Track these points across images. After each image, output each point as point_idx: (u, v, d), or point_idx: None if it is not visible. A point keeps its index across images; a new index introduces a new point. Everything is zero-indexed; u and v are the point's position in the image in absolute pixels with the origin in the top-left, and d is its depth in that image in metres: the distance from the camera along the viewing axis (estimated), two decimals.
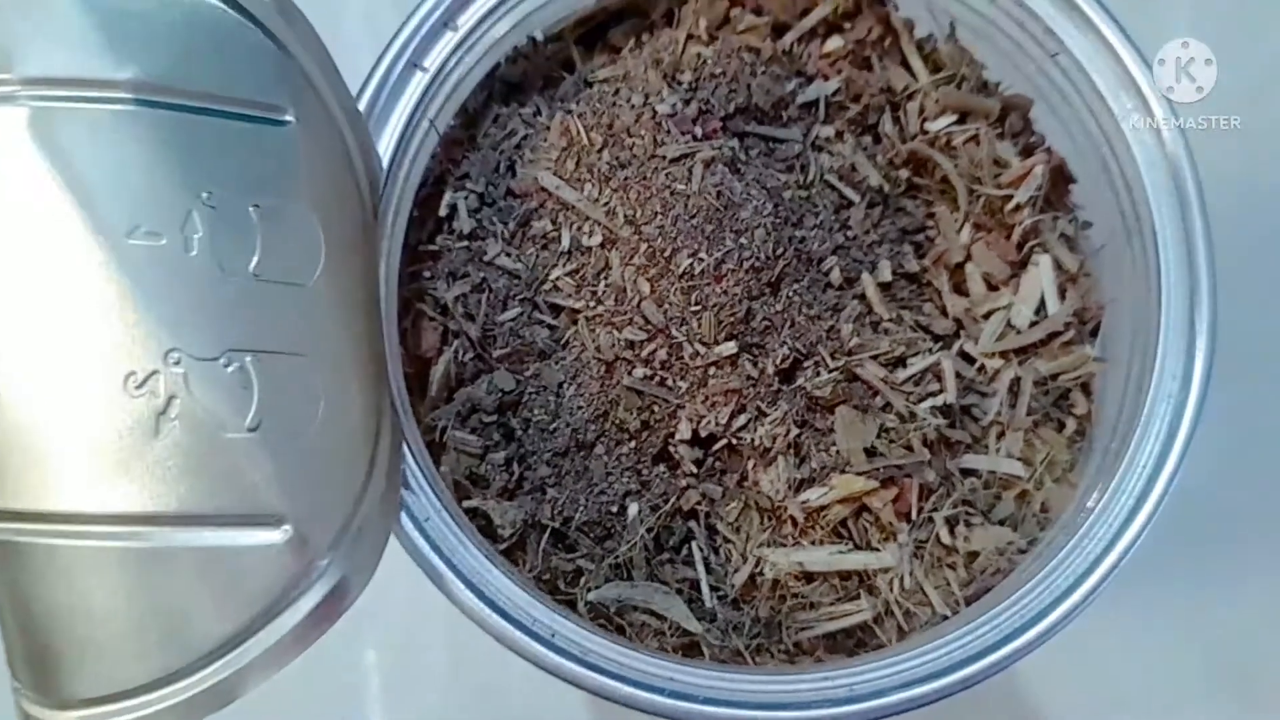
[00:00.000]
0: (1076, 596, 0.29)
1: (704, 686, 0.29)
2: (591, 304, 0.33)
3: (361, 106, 0.32)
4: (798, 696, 0.29)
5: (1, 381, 0.26)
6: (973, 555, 0.33)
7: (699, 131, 0.33)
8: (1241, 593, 0.51)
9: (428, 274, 0.34)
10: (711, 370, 0.32)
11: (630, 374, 0.32)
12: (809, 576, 0.33)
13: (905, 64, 0.37)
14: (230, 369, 0.27)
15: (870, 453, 0.33)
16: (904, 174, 0.36)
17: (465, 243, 0.34)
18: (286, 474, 0.27)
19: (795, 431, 0.33)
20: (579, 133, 0.33)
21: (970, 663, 0.29)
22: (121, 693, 0.27)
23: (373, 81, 0.32)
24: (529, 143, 0.34)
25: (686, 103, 0.34)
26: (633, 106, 0.33)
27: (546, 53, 0.37)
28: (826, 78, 0.36)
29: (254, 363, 0.27)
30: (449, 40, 0.33)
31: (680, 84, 0.34)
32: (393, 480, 0.30)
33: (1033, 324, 0.35)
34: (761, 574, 0.33)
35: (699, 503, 0.33)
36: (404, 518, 0.30)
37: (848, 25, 0.37)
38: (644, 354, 0.32)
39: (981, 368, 0.35)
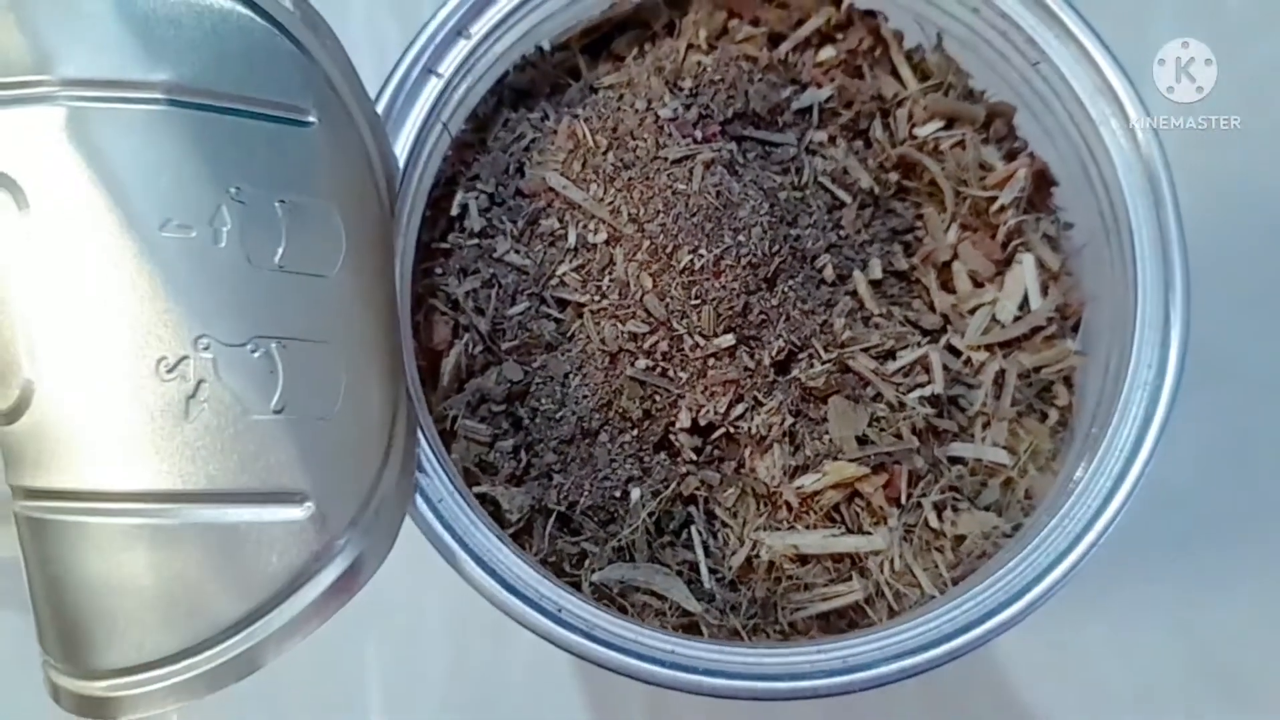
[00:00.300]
0: (1058, 573, 0.31)
1: (703, 659, 0.30)
2: (596, 298, 0.34)
3: (380, 109, 0.33)
4: (793, 668, 0.30)
5: (37, 366, 0.27)
6: (960, 539, 0.35)
7: (699, 135, 0.35)
8: (1225, 591, 0.52)
9: (439, 270, 0.36)
10: (710, 361, 0.34)
11: (633, 365, 0.34)
12: (803, 559, 0.34)
13: (895, 73, 0.38)
14: (256, 355, 0.28)
15: (862, 441, 0.34)
16: (894, 177, 0.37)
17: (476, 240, 0.35)
18: (309, 455, 0.29)
19: (790, 420, 0.34)
20: (585, 136, 0.35)
21: (958, 635, 0.30)
22: (148, 663, 0.28)
23: (390, 86, 0.34)
24: (537, 145, 0.36)
25: (687, 108, 0.35)
26: (636, 111, 0.35)
27: (553, 61, 0.38)
28: (820, 85, 0.38)
29: (279, 349, 0.29)
30: (462, 48, 0.34)
31: (681, 90, 0.36)
32: (408, 463, 0.31)
33: (1016, 319, 0.36)
34: (758, 556, 0.34)
35: (698, 488, 0.35)
36: (419, 499, 0.31)
37: (840, 36, 0.38)
38: (646, 346, 0.34)
39: (968, 361, 0.36)
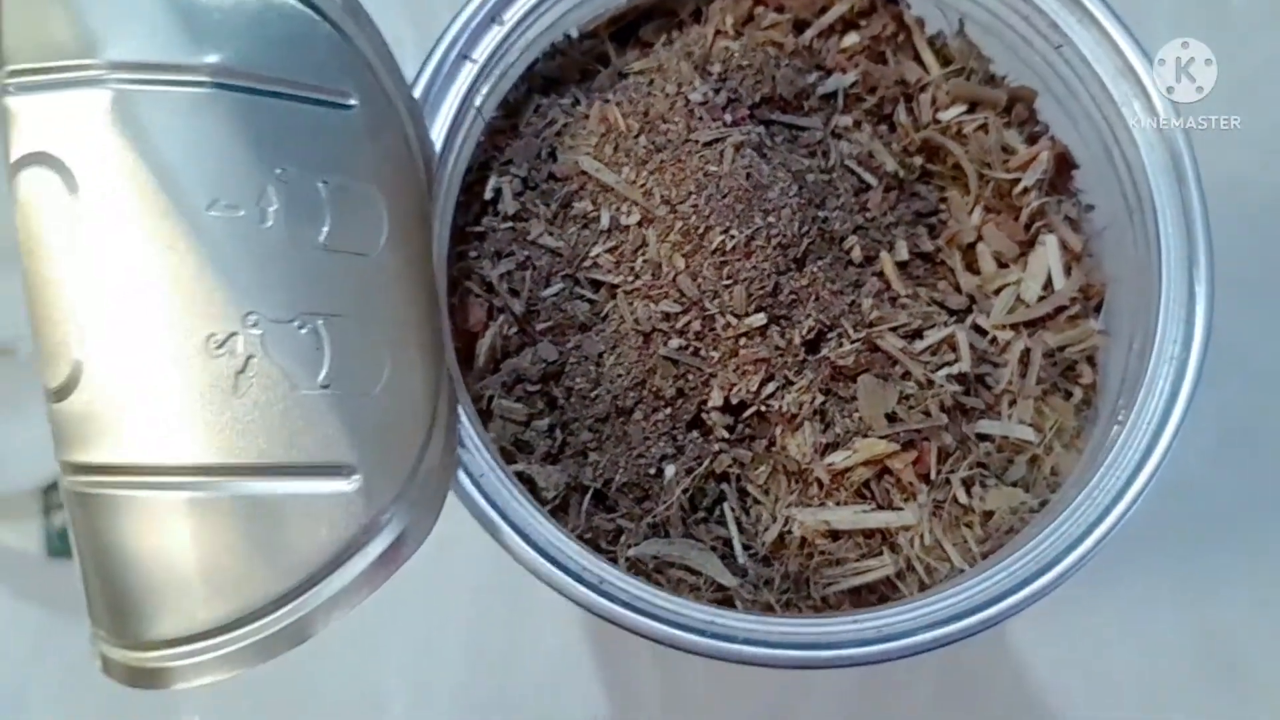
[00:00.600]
0: (1089, 543, 0.31)
1: (743, 629, 0.31)
2: (630, 279, 0.35)
3: (417, 94, 0.34)
4: (830, 638, 0.31)
5: (87, 346, 0.28)
6: (988, 514, 0.35)
7: (729, 118, 0.35)
8: (1235, 583, 0.52)
9: (474, 254, 0.36)
10: (742, 341, 0.34)
11: (666, 344, 0.34)
12: (834, 535, 0.35)
13: (918, 58, 0.39)
14: (303, 331, 0.29)
15: (891, 418, 0.35)
16: (918, 160, 0.38)
17: (509, 224, 0.36)
18: (356, 428, 0.29)
19: (820, 399, 0.35)
20: (617, 120, 0.36)
21: (992, 604, 0.31)
22: (200, 633, 0.28)
23: (427, 71, 0.34)
24: (569, 130, 0.37)
25: (717, 91, 0.36)
26: (667, 95, 0.36)
27: (581, 48, 0.39)
28: (845, 71, 0.38)
29: (325, 325, 0.29)
30: (496, 34, 0.35)
31: (711, 75, 0.36)
32: (450, 438, 0.32)
33: (1040, 299, 0.37)
34: (790, 533, 0.35)
35: (730, 466, 0.35)
36: (461, 474, 0.32)
37: (863, 22, 0.39)
38: (679, 325, 0.34)
39: (993, 340, 0.37)
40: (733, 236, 0.34)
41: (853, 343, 0.35)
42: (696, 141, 0.35)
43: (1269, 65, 0.55)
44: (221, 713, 0.51)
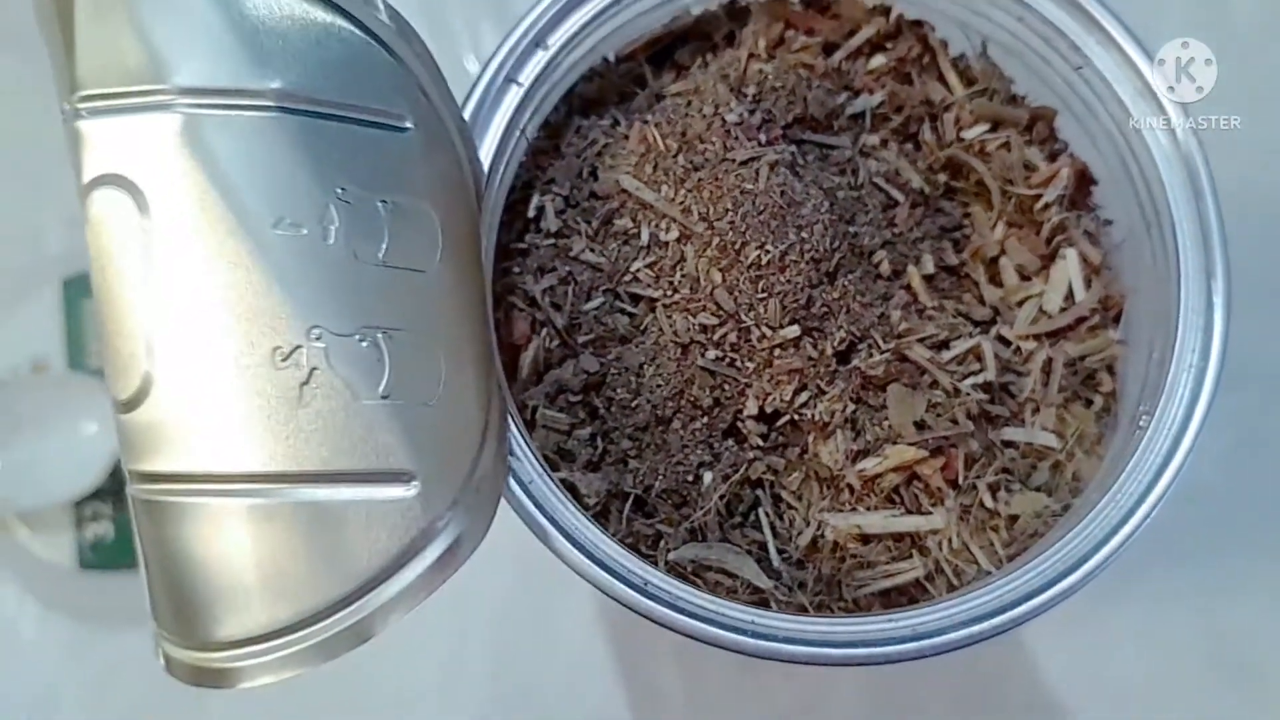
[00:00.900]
0: (1115, 542, 0.32)
1: (782, 629, 0.32)
2: (669, 293, 0.36)
3: (466, 116, 0.35)
4: (866, 636, 0.32)
5: (156, 359, 0.29)
6: (1013, 518, 0.36)
7: (763, 138, 0.37)
8: (1248, 590, 0.53)
9: (517, 269, 0.37)
10: (776, 352, 0.36)
11: (703, 356, 0.36)
12: (865, 538, 0.36)
13: (942, 79, 0.40)
14: (364, 344, 0.30)
15: (919, 426, 0.36)
16: (943, 177, 0.39)
17: (552, 240, 0.37)
18: (414, 437, 0.30)
19: (851, 407, 0.36)
20: (655, 140, 0.37)
21: (1020, 603, 0.32)
22: (262, 635, 0.29)
23: (475, 94, 0.36)
24: (609, 150, 0.38)
25: (751, 112, 0.37)
26: (704, 116, 0.37)
27: (620, 71, 0.40)
28: (872, 92, 0.40)
29: (385, 339, 0.30)
30: (540, 58, 0.36)
31: (745, 96, 0.38)
32: (502, 446, 0.33)
33: (1062, 310, 0.38)
34: (823, 537, 0.36)
35: (765, 473, 0.36)
36: (511, 481, 0.33)
37: (890, 45, 0.41)
38: (716, 337, 0.36)
39: (1017, 349, 0.38)
40: (767, 251, 0.35)
41: (882, 353, 0.36)
42: (733, 160, 0.36)
43: (1270, 65, 0.55)
44: (246, 713, 0.52)
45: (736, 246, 0.35)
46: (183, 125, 0.29)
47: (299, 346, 0.29)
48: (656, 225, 0.36)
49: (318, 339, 0.30)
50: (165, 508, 0.30)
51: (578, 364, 0.36)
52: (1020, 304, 0.38)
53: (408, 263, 0.32)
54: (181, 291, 0.29)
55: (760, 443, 0.37)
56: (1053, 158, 0.40)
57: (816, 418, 0.36)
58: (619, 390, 0.36)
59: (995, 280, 0.39)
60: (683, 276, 0.36)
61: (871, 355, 0.36)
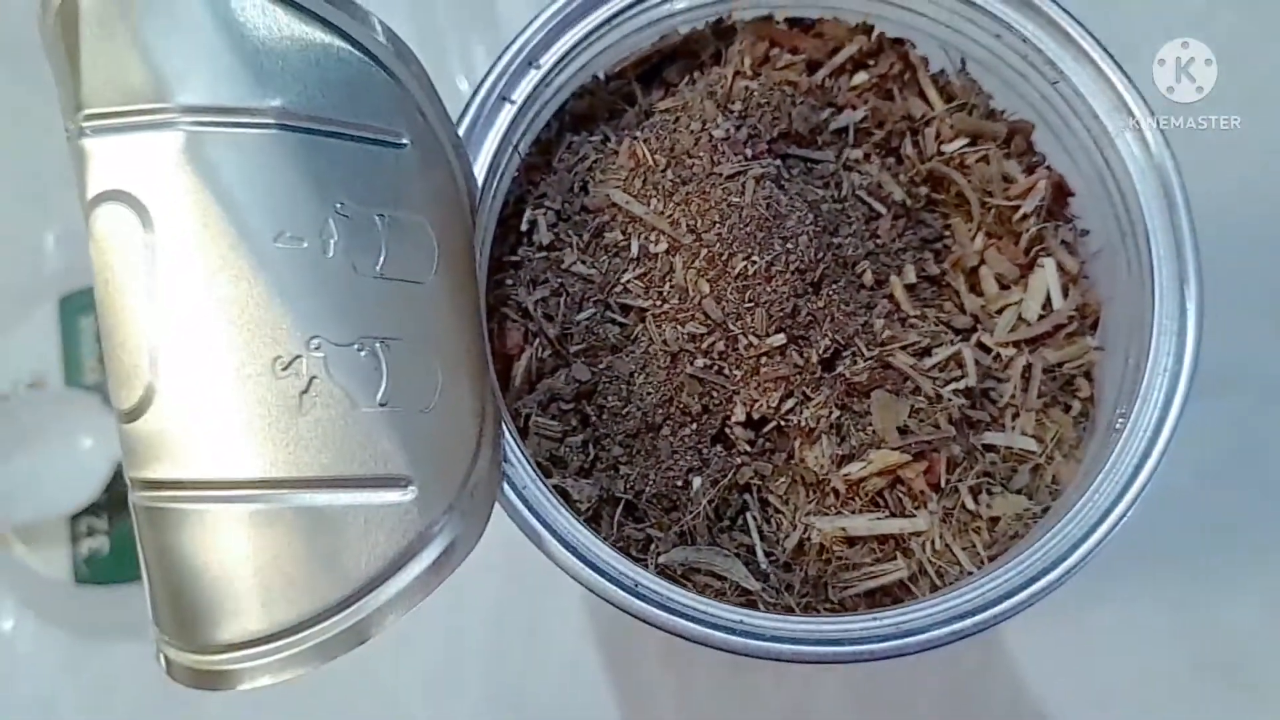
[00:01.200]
0: (1090, 542, 0.33)
1: (769, 627, 0.33)
2: (658, 303, 0.37)
3: (460, 133, 0.36)
4: (851, 634, 0.33)
5: (159, 369, 0.30)
6: (994, 520, 0.37)
7: (749, 153, 0.38)
8: (1228, 592, 0.54)
9: (510, 282, 0.38)
10: (763, 360, 0.37)
11: (692, 364, 0.37)
12: (851, 541, 0.37)
13: (923, 95, 0.41)
14: (363, 354, 0.31)
15: (903, 431, 0.37)
16: (924, 190, 0.40)
17: (544, 253, 0.38)
18: (411, 444, 0.31)
19: (836, 413, 0.37)
20: (645, 155, 0.38)
21: (1001, 601, 0.33)
22: (262, 637, 0.30)
23: (470, 111, 0.37)
24: (600, 165, 0.39)
25: (738, 128, 0.38)
26: (691, 132, 0.38)
27: (610, 89, 0.41)
28: (855, 107, 0.41)
29: (382, 348, 0.31)
30: (533, 77, 0.37)
31: (732, 112, 0.39)
32: (496, 452, 0.34)
33: (1040, 318, 0.39)
34: (809, 539, 0.37)
35: (753, 478, 0.37)
36: (505, 486, 0.34)
37: (872, 62, 0.42)
38: (704, 346, 0.37)
39: (997, 356, 0.39)
40: (754, 262, 0.36)
41: (866, 361, 0.37)
42: (719, 175, 0.37)
43: (1269, 65, 0.56)
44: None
45: (724, 258, 0.36)
46: (185, 143, 0.30)
47: (299, 356, 0.30)
48: (646, 238, 0.37)
49: (317, 349, 0.30)
50: (167, 514, 0.30)
51: (570, 373, 0.37)
52: (1000, 312, 0.39)
53: (404, 275, 0.32)
54: (184, 304, 0.30)
55: (748, 448, 0.37)
56: (1030, 170, 0.41)
57: (802, 424, 0.37)
58: (610, 398, 0.37)
59: (975, 289, 0.40)
60: (671, 287, 0.37)
61: (856, 362, 0.37)
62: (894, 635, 0.33)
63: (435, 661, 0.54)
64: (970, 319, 0.39)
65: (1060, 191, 0.41)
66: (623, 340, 0.37)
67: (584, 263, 0.38)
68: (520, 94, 0.37)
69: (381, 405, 0.31)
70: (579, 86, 0.41)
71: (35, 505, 0.57)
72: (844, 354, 0.37)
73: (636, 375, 0.37)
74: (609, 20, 0.38)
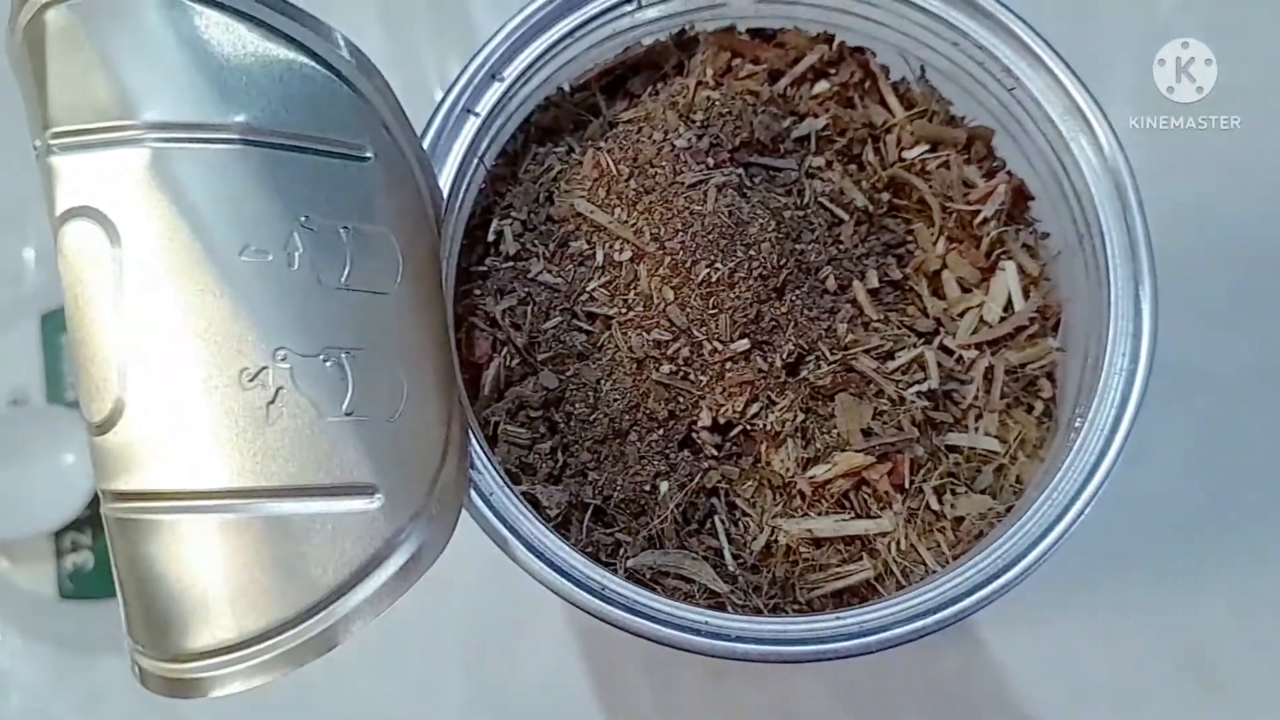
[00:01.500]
0: (1049, 539, 0.34)
1: (735, 628, 0.33)
2: (623, 311, 0.38)
3: (425, 145, 0.37)
4: (816, 633, 0.33)
5: (128, 383, 0.30)
6: (959, 520, 0.38)
7: (711, 162, 0.38)
8: (1199, 591, 0.55)
9: (478, 292, 0.39)
10: (728, 365, 0.37)
11: (658, 370, 0.37)
12: (817, 542, 0.37)
13: (883, 102, 0.42)
14: (328, 364, 0.31)
15: (867, 433, 0.37)
16: (885, 196, 0.41)
17: (511, 263, 0.39)
18: (377, 452, 0.32)
19: (801, 417, 0.37)
20: (608, 165, 0.38)
21: (964, 597, 0.33)
22: (232, 645, 0.30)
23: (434, 124, 0.37)
24: (565, 176, 0.40)
25: (700, 138, 0.39)
26: (654, 142, 0.39)
27: (574, 100, 0.42)
28: (816, 116, 0.41)
29: (348, 359, 0.32)
30: (496, 89, 0.38)
31: (694, 122, 0.39)
32: (463, 460, 0.34)
33: (1002, 320, 0.39)
34: (776, 541, 0.37)
35: (720, 481, 0.38)
36: (473, 493, 0.34)
37: (833, 71, 0.42)
38: (669, 352, 0.37)
39: (960, 358, 0.39)
40: (717, 269, 0.37)
41: (830, 365, 0.38)
42: (682, 184, 0.38)
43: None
44: None
45: (687, 265, 0.37)
46: (151, 159, 0.30)
47: (265, 368, 0.31)
48: (610, 246, 0.38)
49: (283, 360, 0.31)
50: (138, 525, 0.31)
51: (537, 381, 0.38)
52: (962, 315, 0.40)
53: (369, 286, 0.33)
54: (152, 318, 0.30)
55: (714, 453, 0.38)
56: (990, 175, 0.41)
57: (768, 427, 0.37)
58: (578, 405, 0.38)
59: (938, 293, 0.40)
60: (636, 295, 0.37)
61: (819, 367, 0.38)
62: (858, 634, 0.33)
63: (417, 669, 0.55)
64: (933, 322, 0.40)
65: (1020, 195, 0.41)
66: (589, 348, 0.38)
67: (550, 272, 0.38)
68: (484, 106, 0.38)
69: (347, 415, 0.32)
70: (544, 98, 0.41)
71: (19, 522, 0.57)
72: (808, 358, 0.38)
73: (603, 382, 0.37)
74: (572, 33, 0.39)
